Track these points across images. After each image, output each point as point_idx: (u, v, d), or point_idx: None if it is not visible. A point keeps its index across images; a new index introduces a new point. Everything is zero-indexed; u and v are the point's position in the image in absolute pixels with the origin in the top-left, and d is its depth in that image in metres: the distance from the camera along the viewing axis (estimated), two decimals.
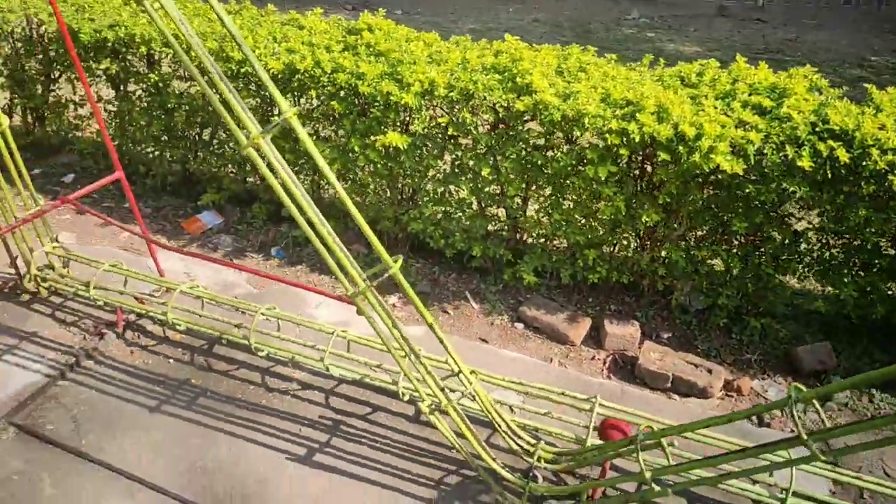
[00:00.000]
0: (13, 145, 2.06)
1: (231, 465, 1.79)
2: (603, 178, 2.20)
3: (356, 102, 2.52)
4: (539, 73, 2.33)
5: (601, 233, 2.43)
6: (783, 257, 2.32)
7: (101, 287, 2.18)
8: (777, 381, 2.29)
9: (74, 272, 2.36)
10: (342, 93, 2.49)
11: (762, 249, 2.33)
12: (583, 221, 2.45)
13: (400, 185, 2.74)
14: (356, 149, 2.53)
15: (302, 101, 2.65)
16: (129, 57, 2.85)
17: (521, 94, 2.29)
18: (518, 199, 2.60)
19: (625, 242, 2.47)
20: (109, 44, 2.76)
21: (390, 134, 2.42)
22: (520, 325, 2.50)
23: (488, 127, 2.48)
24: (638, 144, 2.13)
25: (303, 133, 1.49)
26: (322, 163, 1.51)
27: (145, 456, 1.80)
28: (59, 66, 3.12)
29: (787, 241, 2.27)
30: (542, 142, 2.38)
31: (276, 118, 1.47)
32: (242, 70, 2.54)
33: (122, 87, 3.05)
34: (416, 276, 2.73)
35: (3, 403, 1.92)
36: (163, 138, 3.06)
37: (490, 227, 2.67)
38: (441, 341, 1.59)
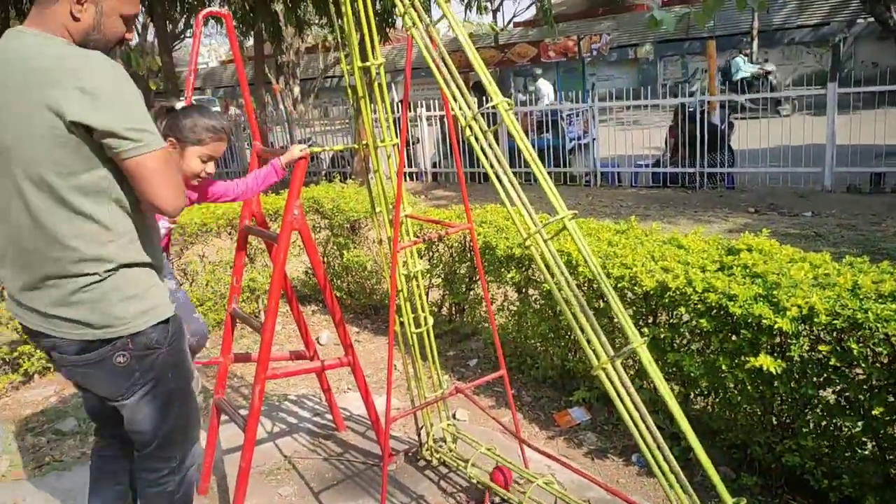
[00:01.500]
0: (432, 337, 2.64)
1: None
2: None
3: (727, 322, 2.52)
4: None
5: None
6: None
7: (476, 466, 2.52)
8: None
9: (460, 449, 2.77)
10: (713, 312, 2.53)
11: None
12: None
13: (775, 411, 2.55)
14: (724, 367, 2.50)
15: (671, 316, 2.75)
16: (531, 269, 3.39)
17: None
18: None
19: None
20: (516, 258, 3.35)
21: (762, 357, 2.33)
22: None
23: (885, 360, 2.20)
24: None
25: (649, 364, 1.60)
26: (664, 389, 1.58)
27: None
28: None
29: None
30: None
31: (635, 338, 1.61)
32: (619, 286, 2.80)
33: (523, 291, 3.60)
34: None
35: None
36: (549, 335, 3.46)
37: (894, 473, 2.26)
38: None
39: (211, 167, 2.14)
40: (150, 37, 21.01)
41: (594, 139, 9.59)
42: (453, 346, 4.10)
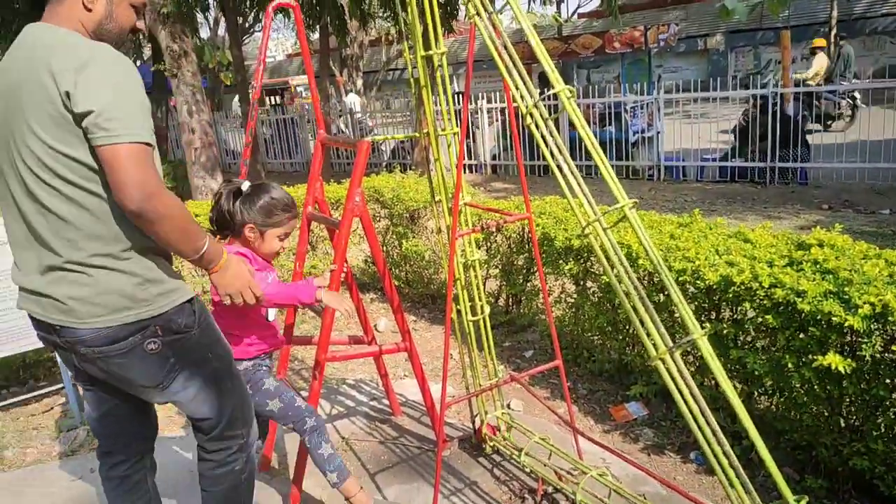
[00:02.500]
0: (489, 326, 2.65)
1: None
2: None
3: (794, 319, 2.43)
4: None
5: None
6: None
7: (530, 455, 2.52)
8: None
9: (514, 438, 2.78)
10: (780, 308, 2.45)
11: None
12: None
13: (843, 412, 2.46)
14: (790, 366, 2.42)
15: (735, 312, 2.68)
16: (590, 261, 3.36)
17: None
18: None
19: None
20: (574, 250, 3.33)
21: (830, 356, 2.25)
22: None
23: None
24: None
25: (710, 357, 1.57)
26: (726, 384, 1.55)
27: None
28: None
29: None
30: None
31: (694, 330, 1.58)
32: (680, 279, 2.74)
33: (581, 283, 3.57)
34: None
35: None
36: (607, 329, 3.42)
37: None
38: None
39: (287, 242, 2.25)
40: (221, 31, 21.68)
41: (659, 132, 9.37)
42: (509, 338, 4.11)
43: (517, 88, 1.76)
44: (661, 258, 2.88)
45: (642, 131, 9.60)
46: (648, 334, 1.64)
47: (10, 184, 1.64)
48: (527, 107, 1.77)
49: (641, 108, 9.62)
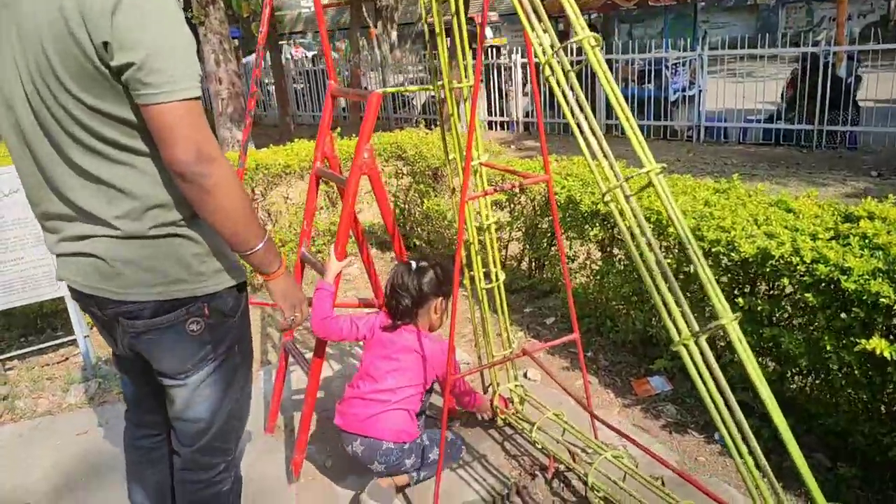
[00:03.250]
0: (503, 294, 2.50)
1: None
2: None
3: (837, 297, 2.23)
4: None
5: None
6: None
7: (542, 430, 2.40)
8: None
9: (527, 410, 2.66)
10: (821, 285, 2.25)
11: None
12: None
13: (885, 399, 2.27)
14: (828, 347, 2.23)
15: (772, 287, 2.48)
16: (617, 227, 3.17)
17: None
18: None
19: None
20: (601, 215, 3.13)
21: (875, 339, 2.05)
22: None
23: None
24: None
25: (739, 343, 1.40)
26: (756, 374, 1.38)
27: None
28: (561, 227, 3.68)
29: None
30: None
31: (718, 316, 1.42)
32: (713, 250, 2.54)
33: (607, 250, 3.39)
34: None
35: None
36: (632, 298, 3.24)
37: None
38: None
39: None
40: None
41: (701, 91, 8.94)
42: (531, 303, 3.95)
43: (534, 31, 1.57)
44: (690, 229, 2.67)
45: (683, 90, 9.17)
46: (671, 314, 1.48)
47: (37, 147, 1.40)
48: (545, 56, 1.58)
49: (684, 65, 9.18)
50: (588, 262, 3.58)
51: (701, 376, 1.47)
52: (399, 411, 2.18)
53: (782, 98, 8.43)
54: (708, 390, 1.44)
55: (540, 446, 2.41)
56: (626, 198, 1.57)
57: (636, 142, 1.52)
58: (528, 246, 3.95)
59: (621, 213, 1.54)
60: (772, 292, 2.51)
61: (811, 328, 2.38)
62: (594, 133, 1.56)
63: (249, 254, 1.49)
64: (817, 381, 2.48)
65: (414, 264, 2.24)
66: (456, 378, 2.25)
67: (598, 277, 3.44)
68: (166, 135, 1.29)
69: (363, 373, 2.25)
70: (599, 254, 3.48)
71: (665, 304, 1.49)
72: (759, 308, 2.47)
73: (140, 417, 1.83)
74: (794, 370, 2.58)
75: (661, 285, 1.47)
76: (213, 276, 1.51)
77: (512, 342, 2.57)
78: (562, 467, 2.41)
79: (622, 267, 3.24)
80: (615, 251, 3.34)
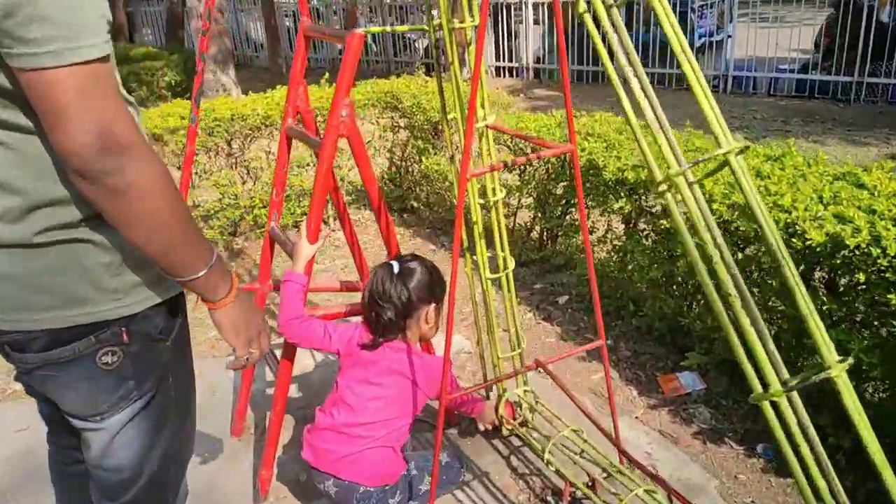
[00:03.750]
0: (513, 286, 2.06)
1: None
2: None
3: None
4: None
5: None
6: None
7: (557, 446, 1.99)
8: None
9: (538, 420, 2.25)
10: None
11: None
12: None
13: None
14: None
15: (843, 280, 2.04)
16: (645, 197, 2.70)
17: None
18: None
19: None
20: (628, 183, 2.66)
21: None
22: None
23: None
24: None
25: (848, 396, 0.97)
26: (867, 434, 0.95)
27: None
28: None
29: None
30: None
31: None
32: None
33: (632, 224, 2.93)
34: None
35: None
36: (661, 280, 2.80)
37: None
38: None
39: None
40: None
41: (729, 36, 8.27)
42: (541, 278, 3.51)
43: None
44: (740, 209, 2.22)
45: (710, 35, 8.51)
46: (751, 356, 1.04)
47: None
48: None
49: (711, 7, 8.49)
50: (609, 236, 3.13)
51: (790, 440, 1.05)
52: (382, 449, 1.77)
53: (817, 46, 7.78)
54: (798, 455, 1.02)
55: (554, 469, 2.01)
56: (689, 184, 1.12)
57: (710, 111, 1.05)
58: (539, 214, 3.49)
59: (682, 208, 1.09)
60: (840, 289, 2.06)
61: (886, 334, 1.95)
62: (647, 97, 1.10)
63: (188, 281, 1.07)
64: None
65: (396, 266, 1.79)
66: (452, 398, 1.83)
67: (621, 255, 3.00)
68: (56, 114, 0.88)
69: (338, 398, 1.81)
70: (623, 227, 3.03)
71: (743, 343, 1.05)
72: (825, 308, 2.03)
73: (66, 439, 1.41)
74: (862, 378, 2.15)
75: (743, 320, 1.02)
76: (131, 293, 1.11)
77: (522, 340, 2.15)
78: (579, 493, 2.01)
79: (650, 243, 2.79)
80: (641, 226, 2.88)
